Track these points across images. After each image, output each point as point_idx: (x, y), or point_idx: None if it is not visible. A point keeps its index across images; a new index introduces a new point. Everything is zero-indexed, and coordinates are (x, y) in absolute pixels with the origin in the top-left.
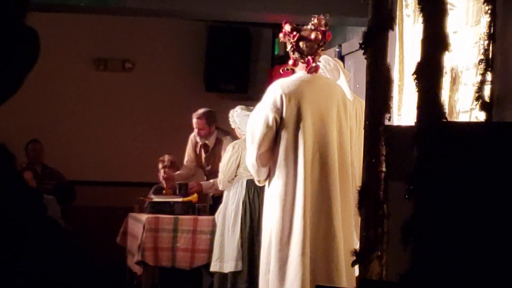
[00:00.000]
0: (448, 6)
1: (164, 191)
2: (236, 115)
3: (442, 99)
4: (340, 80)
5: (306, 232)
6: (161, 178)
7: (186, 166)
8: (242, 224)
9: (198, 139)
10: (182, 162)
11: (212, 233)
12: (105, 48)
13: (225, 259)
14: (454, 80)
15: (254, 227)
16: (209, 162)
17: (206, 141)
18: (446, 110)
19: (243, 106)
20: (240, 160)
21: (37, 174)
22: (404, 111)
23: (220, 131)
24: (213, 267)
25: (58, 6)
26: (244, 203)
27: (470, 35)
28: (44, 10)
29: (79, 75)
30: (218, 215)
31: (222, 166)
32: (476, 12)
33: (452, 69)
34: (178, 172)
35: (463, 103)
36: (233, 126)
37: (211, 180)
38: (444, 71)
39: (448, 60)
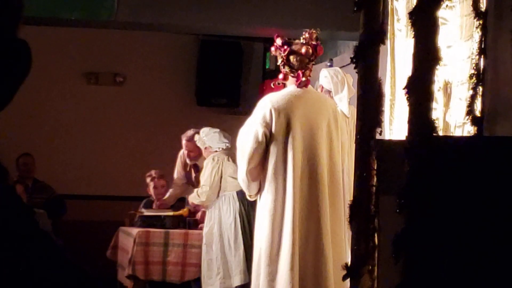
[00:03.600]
0: (441, 21)
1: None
2: (205, 135)
3: (432, 113)
4: (342, 94)
5: (295, 247)
6: (150, 191)
7: (176, 184)
8: (243, 236)
9: (188, 161)
10: (172, 177)
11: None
12: (96, 61)
13: (232, 273)
14: (449, 95)
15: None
16: (199, 182)
17: (196, 162)
18: (442, 125)
19: (207, 128)
20: (221, 172)
21: (27, 188)
22: (395, 125)
23: None
24: (220, 286)
25: (49, 19)
26: (240, 214)
27: (463, 49)
28: (34, 23)
29: (70, 89)
30: (211, 232)
31: (205, 179)
32: (469, 27)
33: (447, 84)
34: (168, 193)
35: (458, 118)
36: (202, 147)
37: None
38: (439, 86)
39: (443, 74)
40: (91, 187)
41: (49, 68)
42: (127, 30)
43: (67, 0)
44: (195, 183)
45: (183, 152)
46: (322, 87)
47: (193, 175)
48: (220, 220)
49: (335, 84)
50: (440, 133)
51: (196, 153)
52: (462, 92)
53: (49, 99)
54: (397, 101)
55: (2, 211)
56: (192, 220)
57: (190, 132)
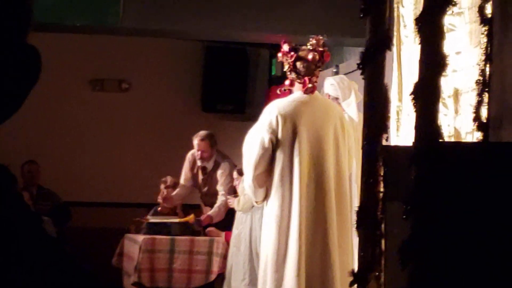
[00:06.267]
0: (449, 27)
1: (159, 210)
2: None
3: (443, 120)
4: (350, 99)
5: (301, 253)
6: (160, 197)
7: (183, 185)
8: None
9: (199, 162)
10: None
11: (209, 253)
12: (102, 68)
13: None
14: (459, 102)
15: None
16: (206, 184)
17: (206, 165)
18: (452, 132)
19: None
20: None
21: (32, 195)
22: (402, 131)
23: (219, 154)
24: None
25: (54, 26)
26: None
27: (473, 56)
28: (40, 30)
29: (76, 96)
30: (239, 236)
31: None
32: (478, 33)
33: (457, 90)
34: (175, 192)
35: (468, 124)
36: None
37: (216, 207)
38: (449, 92)
39: (453, 81)
40: (96, 194)
41: (54, 75)
42: (133, 36)
43: (73, 6)
44: (202, 186)
45: (191, 153)
46: (329, 95)
47: (200, 177)
48: (251, 227)
49: (343, 90)
50: (451, 140)
51: (208, 154)
52: (472, 98)
53: (54, 106)
54: (404, 107)
55: (11, 219)
56: (197, 227)
57: (203, 132)
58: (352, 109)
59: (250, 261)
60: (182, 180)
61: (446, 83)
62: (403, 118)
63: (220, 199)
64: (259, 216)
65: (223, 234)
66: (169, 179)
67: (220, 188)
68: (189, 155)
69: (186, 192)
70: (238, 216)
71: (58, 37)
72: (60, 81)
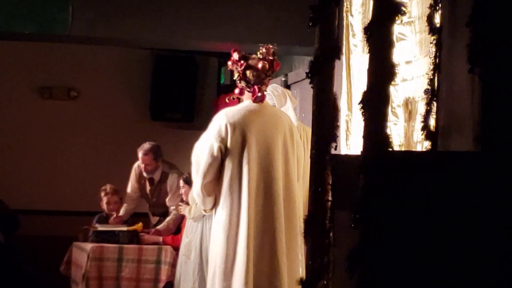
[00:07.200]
0: (400, 36)
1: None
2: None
3: (393, 129)
4: (287, 105)
5: (249, 262)
6: (104, 206)
7: (130, 197)
8: None
9: (144, 174)
10: (126, 191)
11: (157, 262)
12: (50, 76)
13: None
14: (410, 111)
15: None
16: (154, 195)
17: (152, 176)
18: (403, 141)
19: None
20: None
21: None
22: (352, 140)
23: (166, 164)
24: None
25: (2, 33)
26: None
27: (423, 65)
28: None
29: (24, 103)
30: (190, 244)
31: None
32: (428, 43)
33: (408, 99)
34: (123, 209)
35: (419, 133)
36: None
37: (165, 222)
38: (399, 101)
39: (404, 90)
40: (45, 202)
41: (2, 83)
42: (82, 44)
43: (21, 14)
44: (150, 196)
45: (137, 165)
46: None
47: (148, 188)
48: (202, 236)
49: (278, 98)
50: (403, 149)
51: (153, 166)
52: (422, 107)
53: (2, 114)
54: (353, 116)
55: None
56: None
57: (146, 146)
58: (290, 114)
59: (200, 270)
60: (129, 190)
61: (397, 92)
62: (352, 127)
63: (172, 214)
64: (210, 225)
65: (160, 238)
66: (108, 186)
67: (170, 203)
68: (135, 166)
69: (134, 205)
70: (189, 224)
71: (6, 44)
72: (8, 88)
